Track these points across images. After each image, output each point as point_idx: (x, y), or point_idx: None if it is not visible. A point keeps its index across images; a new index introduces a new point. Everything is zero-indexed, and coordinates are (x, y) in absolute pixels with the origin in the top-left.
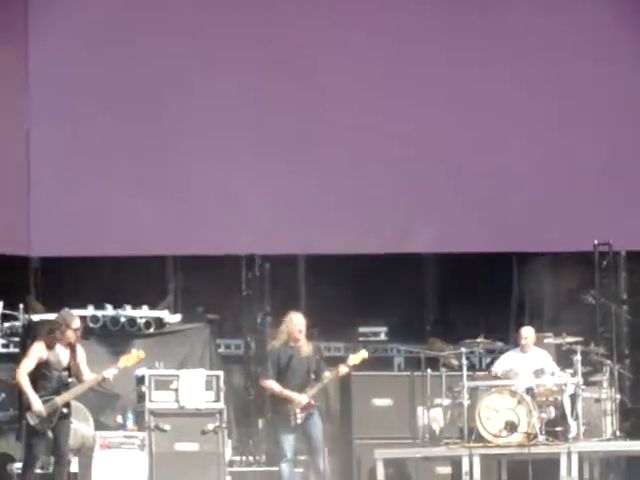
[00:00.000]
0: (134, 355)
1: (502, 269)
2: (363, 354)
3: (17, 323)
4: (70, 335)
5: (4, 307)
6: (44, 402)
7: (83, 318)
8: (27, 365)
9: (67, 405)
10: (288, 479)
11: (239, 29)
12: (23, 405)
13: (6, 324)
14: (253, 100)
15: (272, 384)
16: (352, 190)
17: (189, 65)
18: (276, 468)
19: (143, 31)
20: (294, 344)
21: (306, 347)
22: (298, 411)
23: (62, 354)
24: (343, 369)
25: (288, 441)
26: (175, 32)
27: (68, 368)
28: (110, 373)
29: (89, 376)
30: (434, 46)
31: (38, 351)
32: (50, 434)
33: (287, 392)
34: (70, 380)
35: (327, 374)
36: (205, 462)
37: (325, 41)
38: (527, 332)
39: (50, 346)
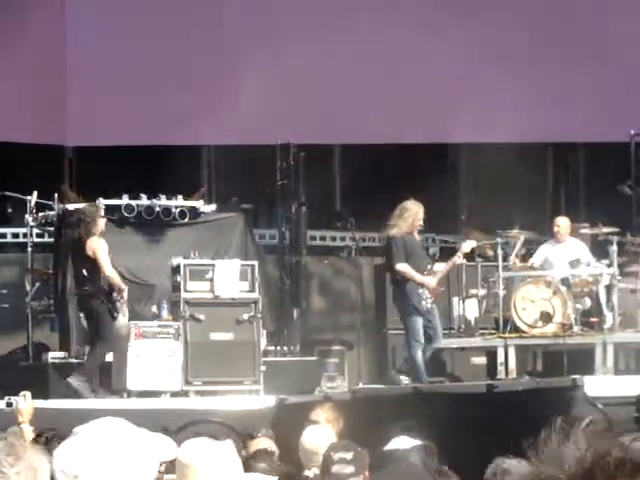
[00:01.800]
0: None
1: (538, 160)
2: (472, 243)
3: (51, 212)
4: (103, 226)
5: (38, 196)
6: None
7: (118, 207)
8: (109, 262)
9: None
10: (423, 366)
11: None
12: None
13: (40, 213)
14: None
15: (406, 267)
16: (388, 80)
17: None
18: (311, 358)
19: None
20: (411, 233)
21: (418, 236)
22: (428, 295)
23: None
24: (459, 259)
25: (420, 324)
26: None
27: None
28: None
29: None
30: None
31: (105, 246)
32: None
33: (420, 276)
34: None
35: (444, 264)
36: (240, 351)
37: None
38: (561, 221)
39: (103, 240)
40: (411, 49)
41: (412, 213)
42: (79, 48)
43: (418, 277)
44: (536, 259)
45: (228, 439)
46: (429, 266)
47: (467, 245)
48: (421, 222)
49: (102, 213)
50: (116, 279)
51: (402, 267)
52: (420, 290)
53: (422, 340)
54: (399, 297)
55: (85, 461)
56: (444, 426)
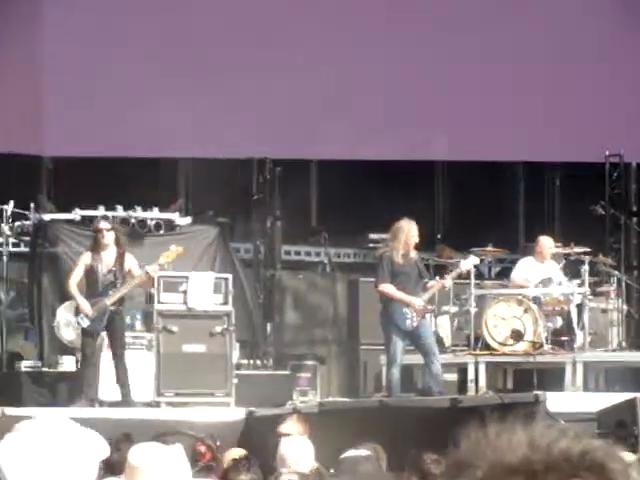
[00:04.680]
0: (173, 251)
1: (512, 179)
2: (474, 260)
3: (28, 222)
4: (100, 238)
5: (15, 206)
6: (93, 304)
7: (93, 218)
8: (75, 274)
9: (119, 303)
10: (396, 385)
11: None
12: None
13: (17, 223)
14: (265, 7)
15: (389, 287)
16: (367, 96)
17: None
18: (284, 372)
19: None
20: (405, 251)
21: (414, 254)
22: (414, 314)
23: (107, 259)
24: (451, 280)
25: (399, 345)
26: None
27: (113, 271)
28: (152, 269)
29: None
30: None
31: (83, 259)
32: (104, 333)
33: (404, 295)
34: (116, 281)
35: (435, 282)
36: (212, 364)
37: None
38: (551, 242)
39: (94, 253)
40: (389, 65)
41: (405, 233)
42: (58, 59)
43: (400, 296)
44: (518, 275)
45: (179, 444)
46: (426, 282)
47: (467, 263)
48: (415, 239)
49: (98, 226)
50: (73, 294)
51: (383, 287)
52: (405, 309)
53: (398, 360)
54: (383, 316)
55: (22, 456)
56: (408, 439)
